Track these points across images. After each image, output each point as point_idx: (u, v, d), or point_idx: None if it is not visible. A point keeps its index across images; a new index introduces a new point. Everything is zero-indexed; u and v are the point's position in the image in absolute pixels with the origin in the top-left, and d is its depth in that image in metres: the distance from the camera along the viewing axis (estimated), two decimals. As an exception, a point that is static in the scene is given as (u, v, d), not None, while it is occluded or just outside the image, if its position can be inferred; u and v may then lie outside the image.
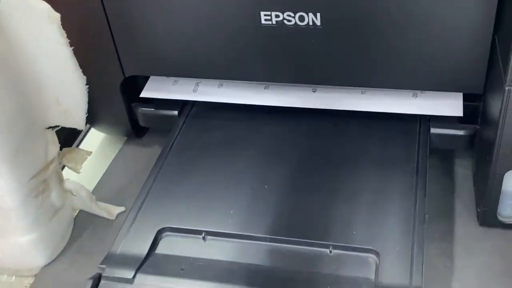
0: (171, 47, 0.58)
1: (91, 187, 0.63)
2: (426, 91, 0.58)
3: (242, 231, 0.50)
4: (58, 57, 0.51)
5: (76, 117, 0.54)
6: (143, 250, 0.50)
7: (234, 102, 0.60)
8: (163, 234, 0.51)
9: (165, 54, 0.58)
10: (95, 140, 0.71)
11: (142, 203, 0.54)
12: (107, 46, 0.59)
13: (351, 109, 0.58)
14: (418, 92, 0.58)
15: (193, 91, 0.62)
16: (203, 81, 0.63)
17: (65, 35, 0.50)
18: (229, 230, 0.51)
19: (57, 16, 0.48)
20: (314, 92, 0.60)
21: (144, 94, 0.63)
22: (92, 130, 0.71)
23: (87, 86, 0.55)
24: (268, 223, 0.51)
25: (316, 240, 0.49)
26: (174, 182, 0.56)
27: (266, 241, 0.50)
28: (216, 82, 0.62)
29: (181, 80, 0.63)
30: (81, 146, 0.70)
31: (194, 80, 0.63)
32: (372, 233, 0.49)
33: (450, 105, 0.56)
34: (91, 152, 0.58)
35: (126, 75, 0.61)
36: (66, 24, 0.50)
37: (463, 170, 0.60)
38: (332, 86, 0.60)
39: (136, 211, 0.53)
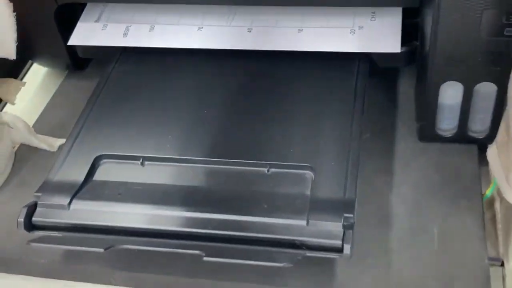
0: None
1: (32, 121, 0.61)
2: (363, 28, 0.56)
3: (181, 155, 0.50)
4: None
5: (5, 46, 0.53)
6: (80, 177, 0.49)
7: (166, 46, 0.58)
8: (101, 161, 0.51)
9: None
10: (38, 74, 0.69)
11: (79, 131, 0.53)
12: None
13: (288, 49, 0.56)
14: (356, 28, 0.56)
15: (124, 36, 0.60)
16: (134, 24, 0.60)
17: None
18: (167, 155, 0.50)
19: None
20: (250, 32, 0.58)
21: (71, 42, 0.61)
22: (35, 64, 0.69)
23: (15, 14, 0.53)
24: (207, 147, 0.50)
25: (254, 160, 0.49)
26: (112, 110, 0.55)
27: (204, 163, 0.49)
28: (147, 25, 0.60)
29: (111, 24, 0.61)
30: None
31: (125, 24, 0.60)
32: (309, 151, 0.49)
33: (388, 41, 0.55)
34: (25, 83, 0.57)
35: (59, 3, 0.58)
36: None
37: (408, 88, 0.60)
38: (268, 24, 0.58)
39: (73, 139, 0.52)
